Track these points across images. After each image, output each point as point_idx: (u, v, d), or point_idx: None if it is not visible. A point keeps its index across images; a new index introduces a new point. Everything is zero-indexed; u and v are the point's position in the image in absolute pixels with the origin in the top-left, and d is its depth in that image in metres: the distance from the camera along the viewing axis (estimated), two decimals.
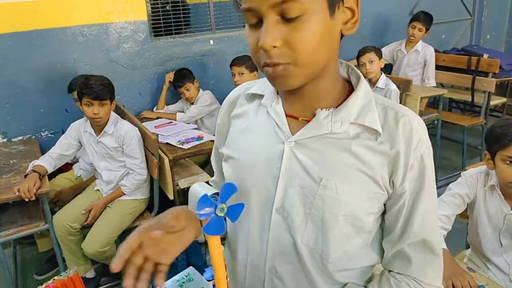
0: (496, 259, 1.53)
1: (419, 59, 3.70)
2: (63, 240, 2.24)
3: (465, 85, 3.83)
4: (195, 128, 2.86)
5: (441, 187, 3.32)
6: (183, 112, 3.09)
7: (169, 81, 3.13)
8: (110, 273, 2.49)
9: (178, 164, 2.60)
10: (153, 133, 2.35)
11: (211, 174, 1.03)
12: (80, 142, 2.39)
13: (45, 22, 2.77)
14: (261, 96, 0.80)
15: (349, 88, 0.76)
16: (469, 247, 1.71)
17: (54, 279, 1.41)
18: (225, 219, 0.69)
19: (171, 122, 2.97)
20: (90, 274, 2.38)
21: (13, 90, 2.76)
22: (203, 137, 2.62)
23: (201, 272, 1.38)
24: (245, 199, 0.77)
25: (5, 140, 2.81)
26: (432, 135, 3.30)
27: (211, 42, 3.38)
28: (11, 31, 2.69)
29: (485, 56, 3.75)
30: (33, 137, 2.89)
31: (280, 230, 0.76)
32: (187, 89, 3.00)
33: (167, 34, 3.26)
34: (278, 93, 0.78)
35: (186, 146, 2.49)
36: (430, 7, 3.94)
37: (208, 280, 1.26)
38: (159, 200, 2.43)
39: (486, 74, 3.69)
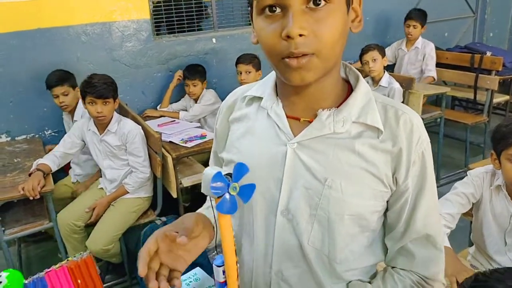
0: (500, 258, 1.53)
1: (419, 56, 3.70)
2: (68, 238, 2.25)
3: (468, 83, 3.81)
4: (198, 127, 2.86)
5: (443, 185, 3.33)
6: (186, 110, 3.10)
7: (178, 79, 3.11)
8: (114, 271, 2.50)
9: (181, 163, 2.60)
10: (156, 131, 2.36)
11: None
12: (83, 141, 2.40)
13: (48, 21, 2.77)
14: (260, 99, 0.80)
15: (348, 88, 0.76)
16: (472, 245, 1.71)
17: (67, 260, 1.41)
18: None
19: (174, 120, 2.97)
20: None
21: (16, 89, 2.77)
22: (206, 135, 2.62)
23: (208, 272, 1.39)
24: (248, 202, 0.77)
25: (8, 139, 2.82)
26: (434, 133, 3.30)
27: (214, 40, 3.37)
28: (14, 30, 2.69)
29: (488, 53, 3.72)
30: (37, 135, 2.89)
31: (285, 233, 0.76)
32: (195, 85, 2.99)
33: (170, 32, 3.26)
34: (277, 95, 0.78)
35: (189, 145, 2.49)
36: (433, 4, 3.93)
37: (218, 266, 1.27)
38: (163, 198, 2.43)
39: (489, 72, 3.67)
